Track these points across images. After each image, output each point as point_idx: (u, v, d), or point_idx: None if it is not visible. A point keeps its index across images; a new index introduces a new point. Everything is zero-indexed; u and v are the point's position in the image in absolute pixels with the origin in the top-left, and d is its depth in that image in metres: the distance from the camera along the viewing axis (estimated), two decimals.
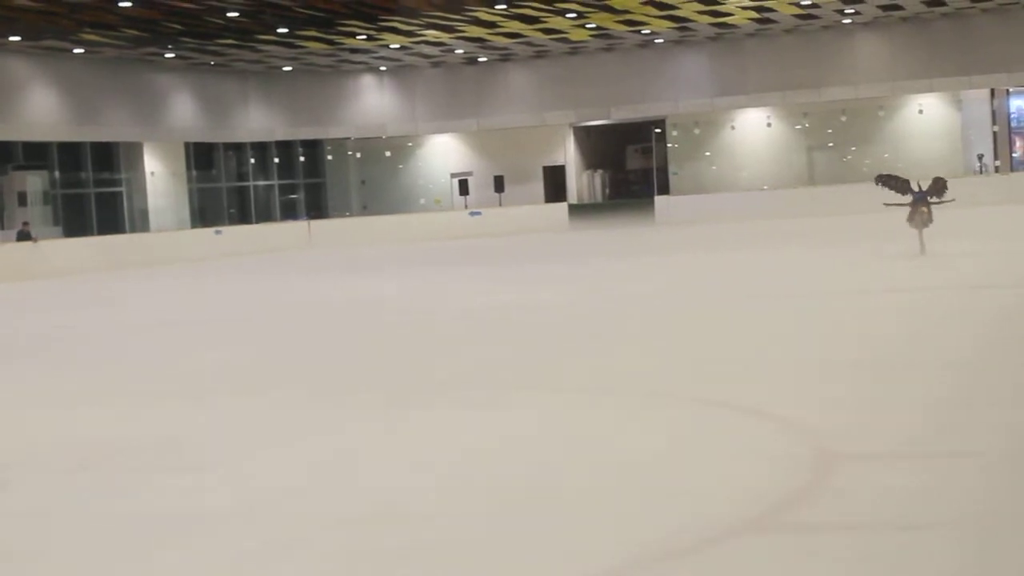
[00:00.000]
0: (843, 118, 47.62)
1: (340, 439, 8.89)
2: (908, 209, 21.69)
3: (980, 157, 44.72)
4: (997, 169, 44.79)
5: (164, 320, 19.62)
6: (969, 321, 13.16)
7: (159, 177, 45.29)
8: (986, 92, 45.58)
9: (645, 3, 36.67)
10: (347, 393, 10.92)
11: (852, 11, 41.39)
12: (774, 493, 6.60)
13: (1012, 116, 46.57)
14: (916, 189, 21.66)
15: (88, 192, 42.23)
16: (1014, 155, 46.06)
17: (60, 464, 8.55)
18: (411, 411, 9.77)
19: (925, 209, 21.49)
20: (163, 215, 44.99)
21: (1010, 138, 46.17)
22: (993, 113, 46.01)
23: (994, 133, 45.79)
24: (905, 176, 22.79)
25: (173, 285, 28.36)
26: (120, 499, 7.45)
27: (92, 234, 40.41)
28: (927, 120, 47.10)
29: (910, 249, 21.39)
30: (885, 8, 41.01)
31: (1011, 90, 45.72)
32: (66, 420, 10.36)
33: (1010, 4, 41.84)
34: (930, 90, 45.70)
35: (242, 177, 49.37)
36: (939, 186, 21.81)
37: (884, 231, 25.38)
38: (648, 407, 9.49)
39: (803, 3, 38.70)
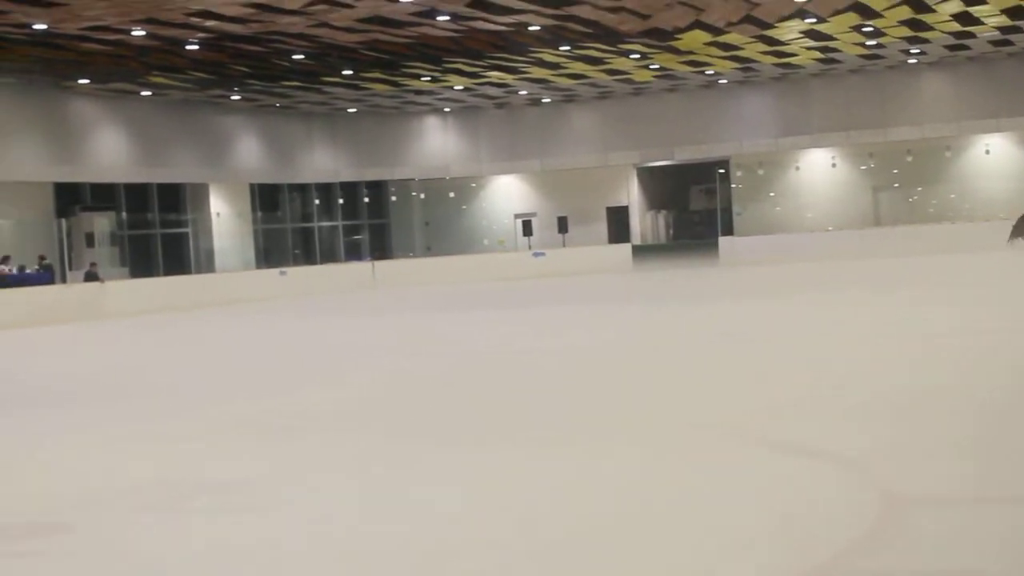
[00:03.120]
0: (909, 158, 47.29)
1: (418, 481, 8.88)
2: None
3: None
4: None
5: (232, 360, 19.71)
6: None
7: (225, 218, 45.62)
8: None
9: (709, 44, 36.64)
10: (418, 436, 10.90)
11: (917, 51, 41.17)
12: (840, 537, 6.51)
13: None
14: None
15: (154, 233, 42.59)
16: None
17: (129, 503, 8.57)
18: (473, 454, 9.73)
19: None
20: (228, 256, 45.29)
21: None
22: None
23: None
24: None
25: (240, 325, 28.50)
26: (185, 539, 7.45)
27: (158, 275, 40.73)
28: (994, 160, 46.70)
29: (976, 292, 21.22)
30: (951, 48, 40.76)
31: None
32: (139, 459, 10.39)
33: None
34: (997, 130, 45.35)
35: (307, 218, 49.65)
36: None
37: (951, 273, 25.18)
38: (704, 449, 9.40)
39: (868, 43, 38.53)
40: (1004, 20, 35.54)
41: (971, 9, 33.43)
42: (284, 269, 42.77)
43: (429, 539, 7.07)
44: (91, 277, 35.13)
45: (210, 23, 29.09)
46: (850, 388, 12.07)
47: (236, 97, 42.43)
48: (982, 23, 35.86)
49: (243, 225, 46.56)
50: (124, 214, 41.37)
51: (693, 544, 6.60)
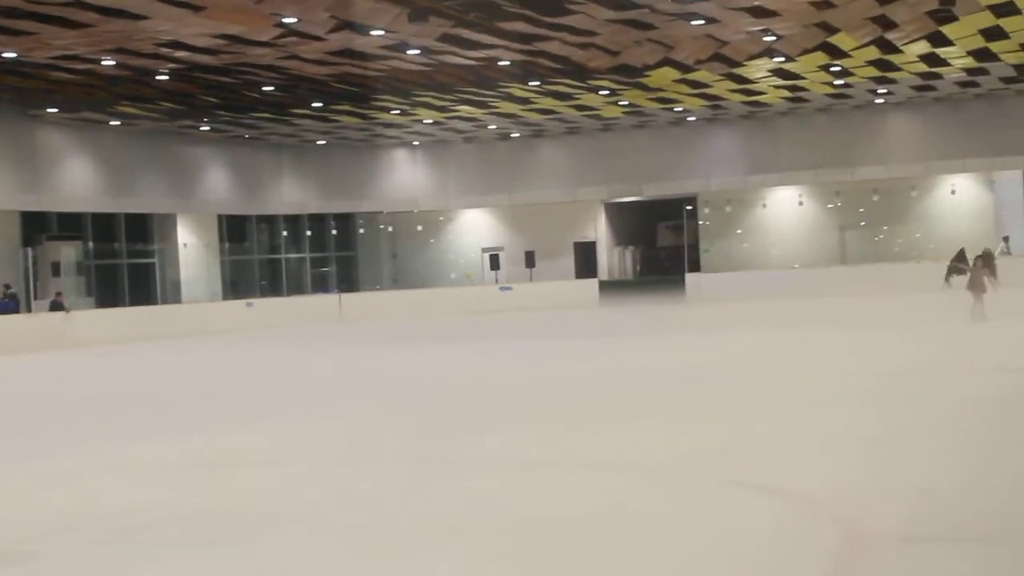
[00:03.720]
0: (875, 197, 47.55)
1: (373, 515, 8.86)
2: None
3: (1006, 239, 44.59)
4: None
5: (196, 391, 19.62)
6: (990, 402, 13.14)
7: (192, 249, 45.49)
8: (1019, 173, 45.50)
9: (677, 81, 36.80)
10: (376, 466, 10.88)
11: (885, 91, 41.43)
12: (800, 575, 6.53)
13: None
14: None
15: (121, 263, 42.42)
16: None
17: (88, 536, 8.51)
18: (430, 487, 9.72)
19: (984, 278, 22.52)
20: (195, 286, 45.15)
21: None
22: None
23: None
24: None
25: (205, 357, 28.41)
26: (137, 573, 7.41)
27: (125, 305, 40.53)
28: (960, 200, 47.02)
29: (941, 331, 21.35)
30: (918, 88, 41.05)
31: None
32: (98, 491, 10.33)
33: None
34: (963, 170, 45.65)
35: (274, 249, 49.56)
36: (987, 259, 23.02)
37: (915, 312, 25.31)
38: (668, 485, 9.44)
39: (836, 82, 38.76)
40: (970, 62, 35.83)
41: (938, 50, 33.68)
42: (251, 300, 42.65)
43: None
44: (57, 307, 34.95)
45: (180, 54, 29.07)
46: (814, 426, 12.14)
47: (205, 128, 42.38)
48: (949, 64, 36.13)
49: (210, 256, 46.45)
50: (91, 244, 41.22)
51: None
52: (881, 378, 16.09)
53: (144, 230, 43.89)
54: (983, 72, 38.04)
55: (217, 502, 9.53)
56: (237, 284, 47.16)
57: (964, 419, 12.14)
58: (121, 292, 41.81)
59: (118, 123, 39.96)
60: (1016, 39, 32.64)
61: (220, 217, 46.46)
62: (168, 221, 44.53)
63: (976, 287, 24.02)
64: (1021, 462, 9.72)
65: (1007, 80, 40.14)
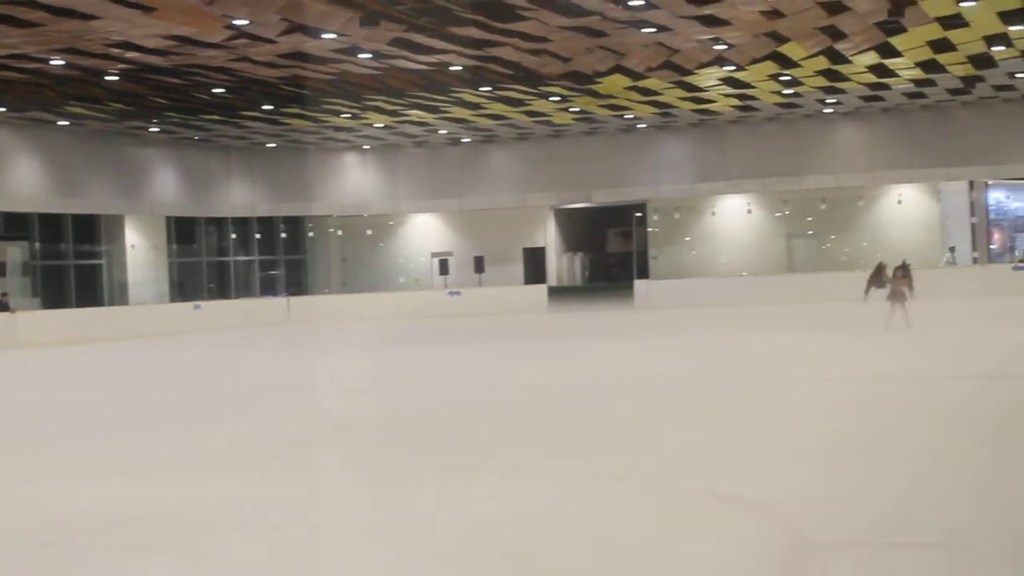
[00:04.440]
0: (823, 206, 47.85)
1: (315, 517, 8.83)
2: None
3: (952, 249, 44.96)
4: (975, 261, 44.98)
5: (136, 394, 19.51)
6: (936, 410, 13.30)
7: (139, 250, 45.21)
8: (965, 184, 45.87)
9: (628, 88, 36.88)
10: (320, 472, 10.85)
11: (833, 100, 41.67)
12: None
13: (990, 208, 46.88)
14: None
15: (68, 264, 42.10)
16: (992, 247, 46.31)
17: (29, 539, 8.47)
18: (377, 488, 9.71)
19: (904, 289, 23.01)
20: (142, 288, 44.87)
21: (988, 230, 46.44)
22: (972, 204, 46.25)
23: (972, 225, 46.01)
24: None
25: (148, 359, 28.24)
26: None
27: (71, 306, 40.21)
28: (906, 210, 47.36)
29: (881, 339, 21.53)
30: (866, 99, 41.33)
31: (989, 182, 46.04)
32: (36, 495, 10.27)
33: (989, 98, 42.21)
34: (909, 181, 45.98)
35: (223, 252, 49.31)
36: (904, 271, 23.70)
37: (859, 320, 25.48)
38: (621, 491, 9.45)
39: (785, 92, 38.96)
40: (918, 73, 36.09)
41: (886, 61, 33.91)
42: (198, 303, 42.46)
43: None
44: (2, 307, 34.70)
45: (130, 54, 28.88)
46: (764, 433, 12.20)
47: (154, 129, 42.13)
48: (896, 75, 36.38)
49: (158, 258, 46.18)
50: (37, 244, 40.90)
51: None
52: (831, 385, 16.20)
53: (91, 231, 43.58)
54: (930, 83, 38.34)
55: (152, 507, 9.49)
56: (185, 286, 46.91)
57: (914, 426, 12.22)
58: (68, 293, 41.49)
59: (66, 123, 39.67)
60: (963, 51, 32.92)
61: (168, 219, 46.18)
62: (116, 222, 44.23)
63: (896, 297, 24.45)
64: (971, 470, 9.79)
65: (954, 91, 40.48)
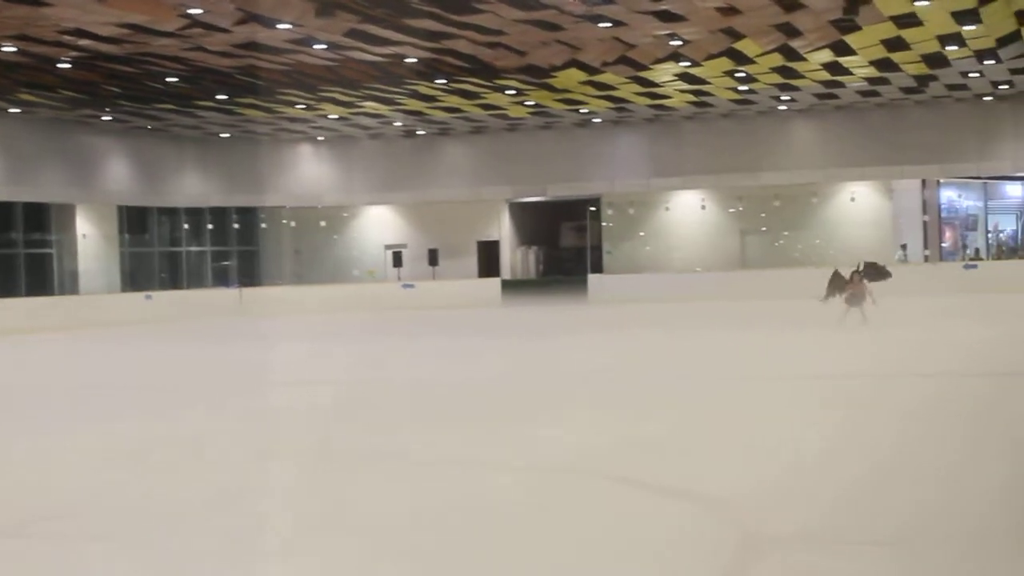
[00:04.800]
0: (777, 203, 48.01)
1: (260, 510, 8.77)
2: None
3: (903, 247, 45.19)
4: (927, 259, 45.24)
5: (82, 385, 19.36)
6: (892, 407, 13.26)
7: (91, 240, 44.89)
8: (917, 182, 46.12)
9: (584, 83, 36.88)
10: (263, 467, 10.80)
11: (788, 98, 41.79)
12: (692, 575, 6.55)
13: (942, 206, 47.15)
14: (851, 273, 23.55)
15: (18, 252, 41.74)
16: (943, 245, 46.58)
17: None
18: (320, 481, 9.66)
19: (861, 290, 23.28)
20: (93, 278, 44.55)
21: (940, 228, 46.69)
22: (924, 203, 46.49)
23: (924, 223, 46.27)
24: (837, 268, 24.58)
25: (96, 349, 28.04)
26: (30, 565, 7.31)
27: (20, 295, 39.89)
28: (859, 208, 47.57)
29: (837, 337, 21.59)
30: (821, 96, 41.47)
31: (941, 181, 46.28)
32: None
33: (942, 96, 42.43)
34: (862, 178, 46.18)
35: (175, 242, 49.02)
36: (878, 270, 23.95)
37: (812, 317, 25.55)
38: (572, 486, 9.39)
39: (740, 88, 39.03)
40: (872, 71, 36.23)
41: (841, 59, 34.03)
42: (150, 293, 42.21)
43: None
44: None
45: (83, 42, 28.65)
46: (717, 427, 12.18)
47: (107, 118, 41.81)
48: (851, 73, 36.52)
49: (109, 247, 45.85)
50: None
51: None
52: (789, 382, 16.22)
53: (42, 220, 43.25)
54: (884, 82, 38.50)
55: (95, 499, 9.41)
56: (136, 276, 46.60)
57: (874, 424, 12.21)
58: (17, 282, 41.14)
59: (18, 111, 39.32)
60: (917, 50, 33.07)
61: (120, 208, 45.85)
62: (67, 211, 43.90)
63: (853, 300, 24.54)
64: (931, 466, 9.81)
65: (907, 90, 40.66)
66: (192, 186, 48.19)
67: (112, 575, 7.13)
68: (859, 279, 24.83)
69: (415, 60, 32.41)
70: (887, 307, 24.83)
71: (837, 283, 25.14)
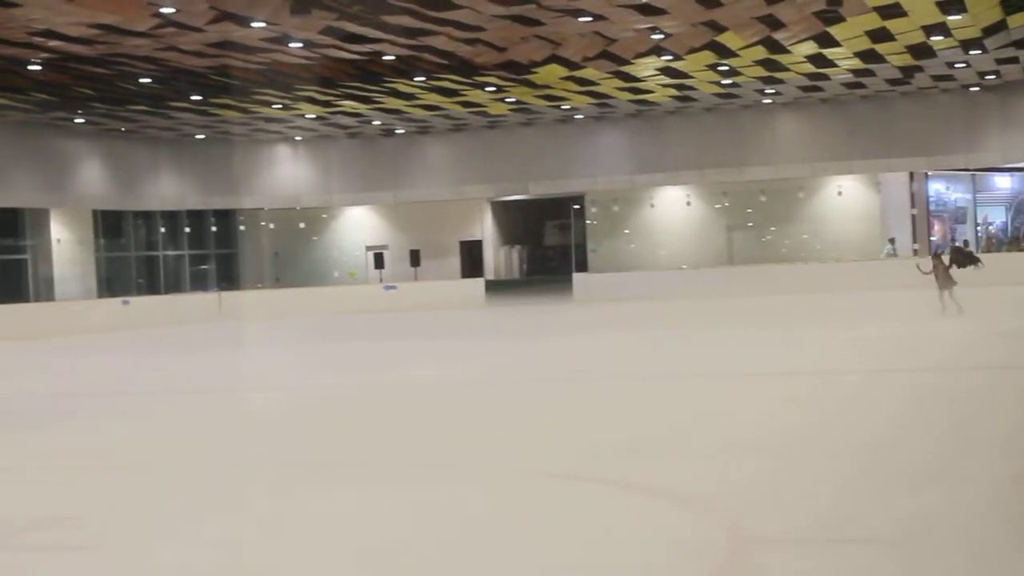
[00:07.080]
0: (763, 198, 47.66)
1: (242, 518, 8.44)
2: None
3: (892, 241, 44.87)
4: (915, 252, 44.89)
5: (62, 393, 18.90)
6: (879, 404, 13.16)
7: (66, 245, 44.40)
8: (905, 175, 45.88)
9: (565, 78, 36.48)
10: (245, 473, 10.47)
11: (772, 91, 41.46)
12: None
13: (930, 199, 46.86)
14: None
15: None
16: (932, 238, 46.26)
17: None
18: (301, 492, 9.19)
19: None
20: (69, 284, 44.06)
21: (928, 221, 46.39)
22: (912, 196, 46.22)
23: (912, 216, 45.98)
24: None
25: (74, 358, 27.63)
26: None
27: None
28: (846, 202, 47.29)
29: (823, 332, 21.43)
30: (805, 89, 41.12)
31: (929, 173, 46.03)
32: None
33: (929, 88, 42.14)
34: (849, 172, 45.88)
35: (151, 246, 48.51)
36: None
37: (801, 312, 25.35)
38: (558, 489, 9.16)
39: (723, 82, 38.69)
40: (857, 63, 35.91)
41: (825, 51, 33.72)
42: (127, 299, 41.67)
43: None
44: None
45: (53, 43, 28.21)
46: (703, 428, 11.95)
47: (80, 120, 41.30)
48: (835, 65, 36.21)
49: (85, 252, 45.35)
50: None
51: None
52: (778, 379, 15.97)
53: (15, 225, 42.77)
54: (869, 74, 38.20)
55: (38, 510, 8.94)
56: (113, 282, 46.10)
57: (864, 421, 11.96)
58: None
59: None
60: (902, 41, 32.77)
61: (95, 212, 45.39)
62: (41, 216, 43.41)
63: (947, 283, 25.03)
64: (922, 464, 9.59)
65: (893, 82, 40.36)
66: (168, 189, 47.64)
67: None
68: (943, 266, 25.26)
69: (393, 57, 32.00)
70: (879, 302, 24.59)
71: (957, 258, 25.91)
